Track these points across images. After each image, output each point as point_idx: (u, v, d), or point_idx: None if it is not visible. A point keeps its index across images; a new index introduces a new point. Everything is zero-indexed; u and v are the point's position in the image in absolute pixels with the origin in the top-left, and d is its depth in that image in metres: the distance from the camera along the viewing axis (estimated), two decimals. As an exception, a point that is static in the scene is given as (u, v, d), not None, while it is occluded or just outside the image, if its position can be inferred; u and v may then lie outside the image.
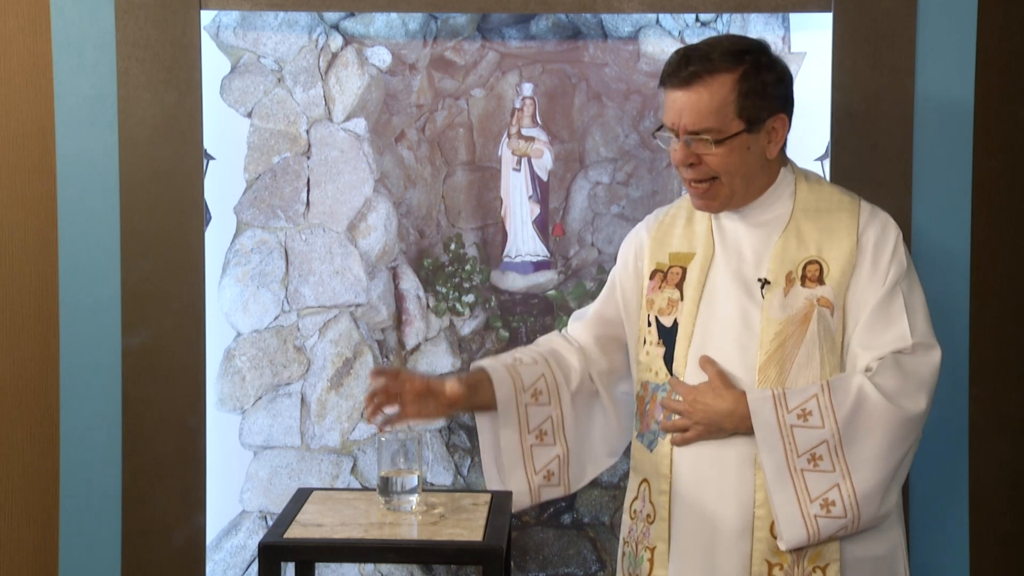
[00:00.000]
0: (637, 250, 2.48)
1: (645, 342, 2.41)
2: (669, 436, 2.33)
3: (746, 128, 2.25)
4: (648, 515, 2.36)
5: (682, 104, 2.25)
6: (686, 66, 2.25)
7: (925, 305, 2.30)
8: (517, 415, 2.42)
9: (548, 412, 2.44)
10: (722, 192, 2.30)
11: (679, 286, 2.37)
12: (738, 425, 2.25)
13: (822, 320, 2.26)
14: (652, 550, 2.34)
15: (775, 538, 2.24)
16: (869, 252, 2.28)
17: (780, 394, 2.22)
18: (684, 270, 2.38)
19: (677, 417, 2.31)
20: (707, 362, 2.30)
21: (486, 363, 2.45)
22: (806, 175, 2.39)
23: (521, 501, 2.45)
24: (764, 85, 2.26)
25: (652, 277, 2.42)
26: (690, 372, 2.32)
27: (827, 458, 2.21)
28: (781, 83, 2.30)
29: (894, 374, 2.22)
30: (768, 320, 2.28)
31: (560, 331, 2.58)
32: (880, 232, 2.30)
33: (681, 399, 2.30)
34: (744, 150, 2.27)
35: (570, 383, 2.46)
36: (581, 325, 2.53)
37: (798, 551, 2.24)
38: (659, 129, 2.33)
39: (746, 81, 2.24)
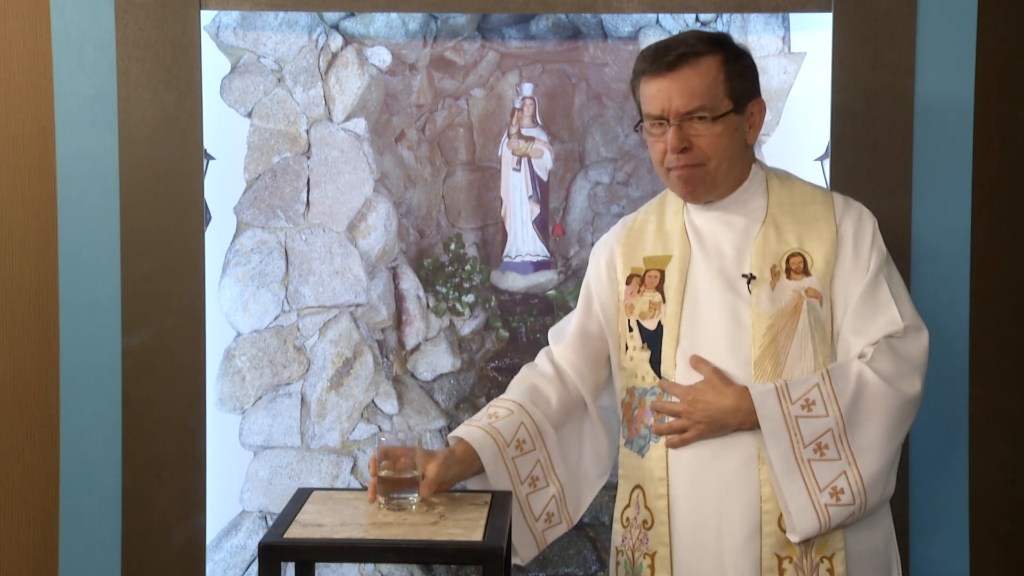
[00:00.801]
0: (608, 260, 2.47)
1: (627, 348, 2.40)
2: (663, 439, 2.32)
3: (734, 108, 2.28)
4: (644, 521, 2.35)
5: (670, 89, 2.26)
6: (667, 53, 2.27)
7: (906, 289, 2.34)
8: (507, 472, 2.37)
9: (536, 457, 2.41)
10: (707, 178, 2.31)
11: (659, 289, 2.37)
12: (743, 421, 2.24)
13: (812, 311, 2.27)
14: (652, 556, 2.34)
15: (783, 531, 2.25)
16: (849, 241, 2.31)
17: (783, 386, 2.23)
18: (662, 272, 2.38)
19: (671, 419, 2.31)
20: (700, 361, 2.29)
21: (463, 432, 2.37)
22: (775, 171, 2.41)
23: (528, 553, 2.43)
24: (743, 68, 2.32)
25: (628, 282, 2.41)
26: (680, 373, 2.31)
27: (832, 446, 2.22)
28: (753, 69, 2.36)
29: (889, 358, 2.24)
30: (758, 315, 2.28)
31: (531, 363, 2.53)
32: (858, 221, 2.33)
33: (678, 400, 2.29)
34: (733, 132, 2.30)
35: (551, 418, 2.43)
36: (565, 346, 2.48)
37: (805, 543, 2.24)
38: (640, 122, 2.33)
39: (729, 63, 2.29)
